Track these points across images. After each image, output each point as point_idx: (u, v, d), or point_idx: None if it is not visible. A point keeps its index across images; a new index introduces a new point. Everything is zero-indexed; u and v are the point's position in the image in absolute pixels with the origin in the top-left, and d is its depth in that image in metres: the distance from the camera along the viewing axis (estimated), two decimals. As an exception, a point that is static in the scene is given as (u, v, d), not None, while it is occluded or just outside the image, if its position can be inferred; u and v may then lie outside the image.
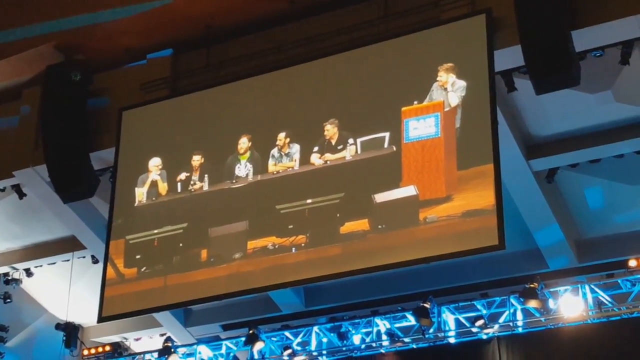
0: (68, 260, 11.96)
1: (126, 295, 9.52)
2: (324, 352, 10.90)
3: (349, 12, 9.37)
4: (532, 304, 9.68)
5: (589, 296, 9.77)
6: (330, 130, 9.07)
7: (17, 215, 11.76)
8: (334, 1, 9.44)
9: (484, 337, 10.06)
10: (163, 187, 9.78)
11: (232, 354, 11.42)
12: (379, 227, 8.51)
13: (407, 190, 8.49)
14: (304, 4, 9.54)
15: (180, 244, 9.43)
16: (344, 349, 10.71)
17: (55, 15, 10.19)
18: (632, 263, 9.75)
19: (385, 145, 8.74)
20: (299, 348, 10.99)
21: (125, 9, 9.85)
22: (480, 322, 10.00)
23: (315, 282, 9.94)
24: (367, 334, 10.70)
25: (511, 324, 9.99)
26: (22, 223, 11.88)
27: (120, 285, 9.58)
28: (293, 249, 8.83)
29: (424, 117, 8.67)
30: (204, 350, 11.54)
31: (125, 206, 9.84)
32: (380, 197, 8.57)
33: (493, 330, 10.04)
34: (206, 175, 9.58)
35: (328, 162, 9.00)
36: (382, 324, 10.61)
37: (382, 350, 10.55)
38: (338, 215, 8.71)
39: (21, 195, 10.87)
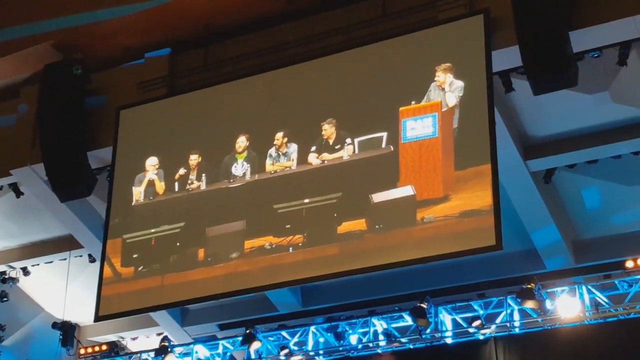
0: (65, 259, 11.95)
1: (123, 295, 9.52)
2: (321, 352, 10.89)
3: (347, 11, 9.38)
4: (529, 304, 9.67)
5: (586, 297, 9.77)
6: (328, 130, 9.07)
7: (15, 213, 11.74)
8: (332, 1, 9.45)
9: (481, 337, 10.05)
10: (160, 187, 9.77)
11: (228, 354, 11.40)
12: (377, 227, 8.51)
13: (405, 190, 8.49)
14: (302, 3, 9.55)
15: (178, 243, 9.42)
16: (340, 349, 10.70)
17: (53, 14, 10.19)
18: (629, 264, 9.76)
19: (383, 145, 8.75)
20: (295, 348, 10.98)
21: (124, 8, 9.85)
22: (477, 323, 9.99)
23: (312, 282, 9.96)
24: (364, 334, 10.69)
25: (508, 324, 9.98)
26: (19, 221, 11.87)
27: (117, 284, 9.57)
28: (290, 248, 8.83)
29: (421, 117, 8.68)
30: (200, 350, 11.52)
31: (123, 205, 9.83)
32: (378, 197, 8.58)
33: (490, 330, 10.03)
34: (203, 175, 9.57)
35: (325, 161, 9.00)
36: (379, 324, 10.60)
37: (379, 351, 10.53)
38: (335, 215, 8.71)
39: (18, 193, 10.86)
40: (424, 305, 9.93)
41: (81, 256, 11.91)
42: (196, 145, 9.71)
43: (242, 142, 9.46)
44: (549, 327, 9.82)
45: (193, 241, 9.35)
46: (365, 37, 9.12)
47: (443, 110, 8.60)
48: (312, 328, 10.95)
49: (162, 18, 9.85)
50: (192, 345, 11.59)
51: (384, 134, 8.76)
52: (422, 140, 8.61)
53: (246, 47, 9.81)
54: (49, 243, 12.10)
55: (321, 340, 10.96)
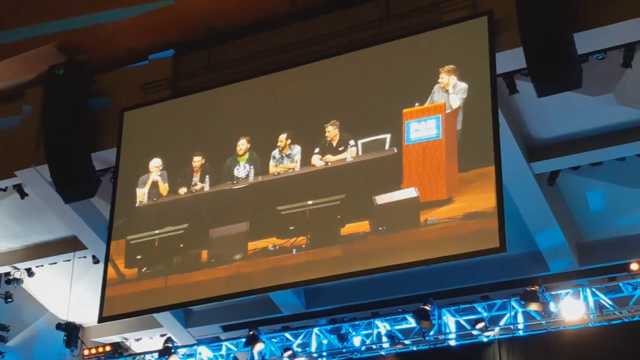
0: (69, 260, 11.97)
1: (127, 296, 9.52)
2: (324, 353, 10.89)
3: (350, 13, 9.37)
4: (533, 306, 9.66)
5: (590, 299, 9.74)
6: (332, 132, 9.06)
7: (19, 215, 11.77)
8: (335, 3, 9.44)
9: (485, 339, 10.04)
10: (164, 188, 9.78)
11: (232, 355, 11.41)
12: (380, 228, 8.50)
13: (408, 192, 8.48)
14: (305, 5, 9.54)
15: (181, 245, 9.43)
16: (344, 350, 10.69)
17: (57, 15, 10.20)
18: (634, 266, 9.73)
19: (386, 146, 8.73)
20: (299, 349, 10.98)
21: (127, 9, 9.86)
22: (480, 325, 9.98)
23: (315, 284, 9.95)
24: (368, 335, 10.68)
25: (512, 326, 9.97)
26: (23, 223, 11.89)
27: (120, 285, 9.58)
28: (293, 250, 8.82)
29: (425, 119, 8.67)
30: (204, 351, 11.53)
31: (126, 206, 9.84)
32: (381, 199, 8.56)
33: (494, 333, 10.02)
34: (207, 176, 9.58)
35: (329, 163, 9.00)
36: (382, 326, 10.59)
37: (383, 352, 10.52)
38: (339, 216, 8.70)
39: (23, 195, 10.88)
40: (428, 307, 9.92)
41: (85, 257, 11.93)
42: (200, 146, 9.71)
43: (242, 144, 9.46)
44: (553, 330, 9.81)
45: (196, 242, 9.35)
46: (369, 39, 9.11)
47: (447, 112, 8.58)
48: (316, 330, 10.95)
49: (165, 20, 9.86)
50: (195, 347, 11.61)
51: (388, 136, 8.75)
52: (426, 142, 8.60)
53: (249, 49, 9.81)
54: (53, 244, 12.12)
55: (324, 341, 10.96)
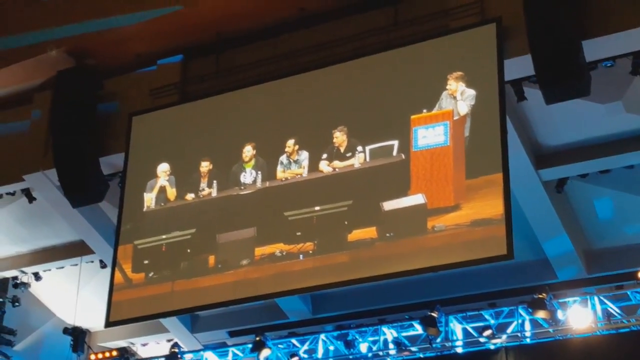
0: (76, 265, 11.99)
1: (134, 301, 9.53)
2: (331, 359, 10.88)
3: (358, 19, 9.38)
4: (541, 314, 9.63)
5: (598, 307, 9.72)
6: (339, 138, 9.06)
7: (27, 219, 11.80)
8: (344, 9, 9.46)
9: (492, 347, 10.02)
10: (172, 193, 9.79)
11: (238, 361, 11.41)
12: (387, 235, 8.50)
13: (416, 199, 8.47)
14: (313, 11, 9.56)
15: (188, 250, 9.43)
16: (350, 357, 10.68)
17: (66, 20, 10.25)
18: (642, 274, 9.70)
19: (394, 153, 8.73)
20: (305, 356, 10.98)
21: (136, 15, 9.90)
22: (488, 332, 9.96)
23: (322, 290, 9.94)
24: (374, 342, 10.67)
25: (519, 334, 9.95)
26: (31, 227, 11.92)
27: (127, 290, 9.59)
28: (301, 256, 8.82)
29: (433, 125, 8.66)
30: (210, 357, 11.53)
31: (134, 211, 9.86)
32: (389, 205, 8.56)
33: (501, 340, 10.00)
34: (215, 182, 9.59)
35: (336, 169, 9.00)
36: (389, 333, 10.58)
37: (389, 359, 10.51)
38: (346, 222, 8.70)
39: (31, 199, 10.91)
40: (435, 314, 9.90)
41: (92, 262, 11.94)
42: (207, 152, 9.73)
43: (248, 151, 9.46)
44: (561, 338, 9.78)
45: (204, 248, 9.36)
46: (377, 45, 9.12)
47: (455, 118, 8.58)
48: (322, 336, 10.94)
49: (174, 25, 9.89)
50: (202, 352, 11.61)
51: (395, 142, 8.74)
52: (434, 149, 8.59)
53: (258, 55, 9.83)
54: (61, 248, 12.14)
55: (331, 348, 10.95)
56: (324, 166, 9.06)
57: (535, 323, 9.95)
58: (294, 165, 9.22)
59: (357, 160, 8.91)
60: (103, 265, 11.73)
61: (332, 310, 11.65)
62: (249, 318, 11.92)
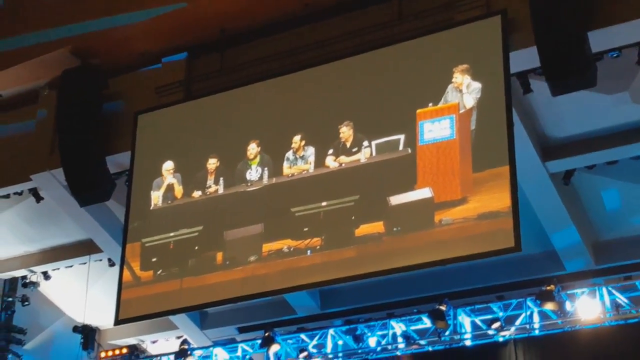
0: (85, 263, 12.02)
1: (142, 298, 9.56)
2: (340, 354, 10.90)
3: (363, 14, 9.36)
4: (549, 306, 9.63)
5: (606, 298, 9.70)
6: (345, 133, 9.06)
7: (35, 218, 11.83)
8: (348, 4, 9.44)
9: (501, 339, 10.01)
10: (179, 190, 9.80)
11: (248, 357, 11.44)
12: (394, 229, 8.49)
13: (423, 193, 8.47)
14: (317, 6, 9.54)
15: (196, 247, 9.45)
16: (359, 351, 10.70)
17: (71, 19, 10.25)
18: (650, 265, 9.69)
19: (400, 147, 8.72)
20: (314, 350, 10.99)
21: (141, 13, 9.89)
22: (496, 325, 9.95)
23: (330, 285, 9.94)
24: (383, 336, 10.68)
25: (528, 326, 9.94)
26: (39, 226, 11.95)
27: (136, 288, 9.61)
28: (308, 251, 8.83)
29: (439, 119, 8.65)
30: (220, 353, 11.56)
31: (141, 209, 9.87)
32: (396, 200, 8.56)
33: (509, 332, 9.99)
34: (221, 179, 9.59)
35: (343, 164, 9.00)
36: (397, 327, 10.59)
37: (398, 353, 10.52)
38: (353, 217, 8.70)
39: (38, 198, 10.94)
40: (443, 308, 9.91)
41: (101, 260, 11.98)
42: (214, 149, 9.73)
43: (252, 148, 9.46)
44: (569, 329, 9.77)
45: (211, 245, 9.37)
46: (382, 40, 9.10)
47: (460, 112, 8.56)
48: (331, 331, 10.96)
49: (178, 23, 9.89)
50: (211, 348, 11.64)
51: (402, 137, 8.74)
52: (440, 143, 8.58)
53: (262, 51, 9.82)
54: (69, 247, 12.18)
55: (340, 342, 10.97)
56: (330, 161, 9.06)
57: (543, 315, 9.94)
58: (300, 161, 9.22)
59: (364, 155, 8.91)
60: (111, 263, 11.76)
61: (341, 305, 11.67)
62: (258, 314, 11.95)
